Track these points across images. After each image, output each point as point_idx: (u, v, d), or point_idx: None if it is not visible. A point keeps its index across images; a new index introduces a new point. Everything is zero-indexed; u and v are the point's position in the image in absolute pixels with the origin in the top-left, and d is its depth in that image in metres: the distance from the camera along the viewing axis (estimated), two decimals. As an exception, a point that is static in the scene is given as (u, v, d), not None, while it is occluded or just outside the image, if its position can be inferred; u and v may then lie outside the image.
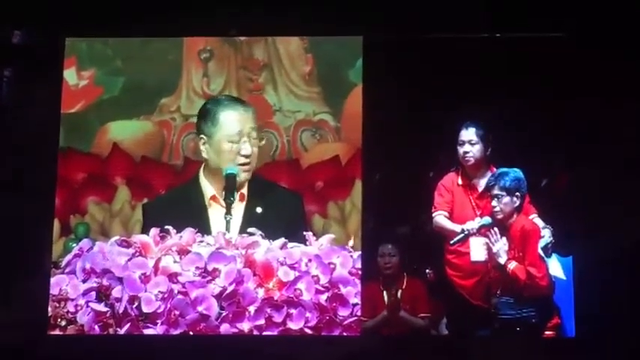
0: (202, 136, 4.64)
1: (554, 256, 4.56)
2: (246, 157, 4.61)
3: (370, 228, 4.64)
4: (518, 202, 4.59)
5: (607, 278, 4.50)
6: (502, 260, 4.56)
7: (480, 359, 4.54)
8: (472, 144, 4.69)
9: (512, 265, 4.55)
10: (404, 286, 4.66)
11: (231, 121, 4.62)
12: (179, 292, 4.42)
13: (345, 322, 4.46)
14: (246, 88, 4.81)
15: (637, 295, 4.51)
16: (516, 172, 4.60)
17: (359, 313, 4.49)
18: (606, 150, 4.62)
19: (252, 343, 4.45)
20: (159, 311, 4.40)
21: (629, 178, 4.62)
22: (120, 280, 4.44)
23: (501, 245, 4.57)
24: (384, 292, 4.65)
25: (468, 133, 4.69)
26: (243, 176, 4.63)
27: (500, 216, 4.60)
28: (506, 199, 4.59)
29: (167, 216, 4.58)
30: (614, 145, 4.63)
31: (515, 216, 4.59)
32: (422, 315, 4.63)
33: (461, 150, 4.70)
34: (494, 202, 4.61)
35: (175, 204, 4.67)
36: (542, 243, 4.56)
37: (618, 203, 4.59)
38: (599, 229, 4.55)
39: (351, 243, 4.58)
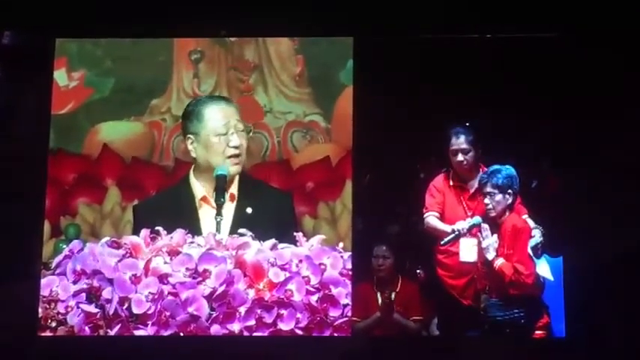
0: (189, 135, 4.64)
1: (543, 257, 4.57)
2: (236, 147, 4.61)
3: (361, 229, 4.64)
4: (510, 200, 4.60)
5: (597, 278, 4.51)
6: (490, 256, 4.56)
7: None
8: (465, 152, 4.69)
9: (500, 262, 4.55)
10: (398, 289, 4.66)
11: (216, 114, 4.63)
12: (169, 293, 4.42)
13: (336, 323, 4.47)
14: (236, 89, 4.81)
15: (627, 295, 4.52)
16: (508, 170, 4.60)
17: (349, 314, 4.49)
18: (597, 151, 4.62)
19: (243, 344, 4.44)
20: (149, 312, 4.40)
21: (620, 180, 4.62)
22: (110, 281, 4.44)
23: (491, 242, 4.58)
24: (378, 294, 4.66)
25: (460, 142, 4.68)
26: (233, 170, 4.63)
27: (492, 214, 4.60)
28: (499, 196, 4.60)
29: (158, 217, 4.58)
30: (605, 146, 4.62)
31: (507, 213, 4.60)
32: (414, 318, 4.63)
33: (455, 159, 4.69)
34: (486, 200, 4.61)
35: (166, 205, 4.67)
36: (532, 243, 4.57)
37: (608, 204, 4.59)
38: (589, 229, 4.55)
39: (341, 244, 4.58)
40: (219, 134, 4.61)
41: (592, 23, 4.67)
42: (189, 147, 4.64)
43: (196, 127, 4.63)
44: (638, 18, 4.69)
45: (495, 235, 4.59)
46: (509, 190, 4.59)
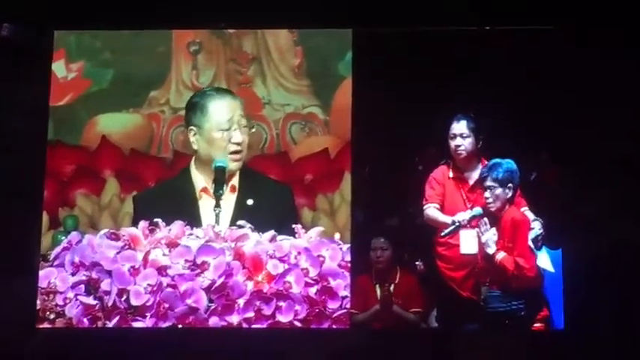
0: (192, 127, 4.64)
1: (543, 249, 4.56)
2: (238, 144, 4.62)
3: (359, 221, 4.64)
4: (510, 194, 4.59)
5: (596, 270, 4.51)
6: (491, 250, 4.56)
7: (469, 352, 4.54)
8: (464, 137, 4.69)
9: (501, 256, 4.55)
10: (397, 281, 4.65)
11: (221, 109, 4.63)
12: (168, 285, 4.42)
13: (335, 315, 4.46)
14: (235, 80, 4.81)
15: (625, 287, 4.52)
16: (509, 164, 4.60)
17: (348, 306, 4.49)
18: (597, 144, 4.61)
19: (241, 335, 4.44)
20: (148, 304, 4.40)
21: (620, 172, 4.61)
22: (109, 273, 4.44)
23: (490, 235, 4.57)
24: (377, 286, 4.65)
25: (460, 126, 4.69)
26: (234, 166, 4.63)
27: (492, 208, 4.60)
28: (499, 190, 4.59)
29: (158, 208, 4.59)
30: (604, 139, 4.62)
31: (506, 207, 4.59)
32: (414, 310, 4.63)
33: (452, 143, 4.70)
34: (486, 194, 4.60)
35: (167, 196, 4.67)
36: (532, 235, 4.56)
37: (608, 197, 4.59)
38: (588, 221, 4.55)
39: (338, 236, 4.58)
40: (222, 129, 4.61)
41: (591, 15, 4.66)
42: (192, 139, 4.64)
43: (200, 120, 4.62)
44: (637, 10, 4.68)
45: (494, 229, 4.59)
46: (510, 185, 4.58)
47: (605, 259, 4.51)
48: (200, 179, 4.65)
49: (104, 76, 4.80)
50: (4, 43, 4.78)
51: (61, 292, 4.47)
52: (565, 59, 4.66)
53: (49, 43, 4.78)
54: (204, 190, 4.64)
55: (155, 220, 4.51)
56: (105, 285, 4.43)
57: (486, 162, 4.66)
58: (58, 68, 4.80)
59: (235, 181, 4.65)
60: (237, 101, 4.66)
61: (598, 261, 4.51)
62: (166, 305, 4.41)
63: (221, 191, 4.58)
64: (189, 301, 4.41)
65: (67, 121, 4.76)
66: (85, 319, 4.44)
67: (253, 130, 4.69)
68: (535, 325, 4.54)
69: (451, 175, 4.72)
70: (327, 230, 4.60)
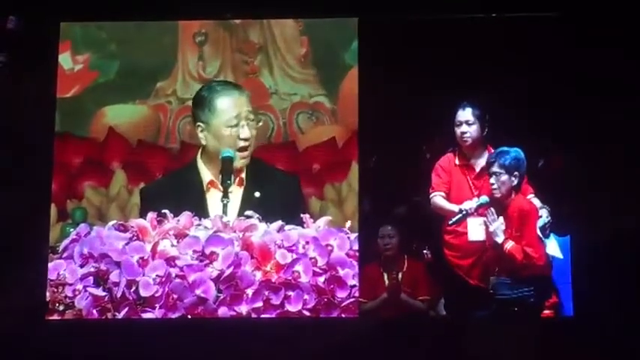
0: (200, 123, 4.63)
1: (551, 236, 4.56)
2: (246, 140, 4.62)
3: (367, 210, 4.64)
4: (516, 182, 4.59)
5: (604, 257, 4.50)
6: (499, 240, 4.56)
7: (479, 339, 4.54)
8: (469, 124, 4.69)
9: (509, 245, 4.55)
10: (404, 269, 4.66)
11: (228, 106, 4.62)
12: (177, 276, 4.43)
13: (343, 304, 4.47)
14: (241, 71, 4.81)
15: (634, 274, 4.52)
16: (517, 152, 4.60)
17: (357, 295, 4.50)
18: (603, 130, 4.61)
19: (250, 325, 4.45)
20: (157, 295, 4.41)
21: (627, 158, 4.61)
22: (117, 264, 4.45)
23: (498, 225, 4.57)
24: (385, 275, 4.66)
25: (465, 114, 4.69)
26: (242, 162, 4.63)
27: (497, 194, 4.60)
28: (504, 177, 4.59)
29: (165, 200, 4.59)
30: (611, 124, 4.61)
31: (512, 195, 4.59)
32: (422, 298, 4.64)
33: (458, 130, 4.70)
34: (492, 180, 4.60)
35: (173, 188, 4.67)
36: (540, 223, 4.56)
37: (615, 183, 4.59)
38: (596, 208, 4.55)
39: (348, 224, 4.58)
40: (230, 126, 4.60)
41: (594, 2, 4.66)
42: (200, 134, 4.64)
43: (208, 117, 4.62)
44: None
45: (501, 218, 4.59)
46: (516, 172, 4.58)
47: (613, 245, 4.51)
48: (207, 172, 4.65)
49: (110, 68, 4.80)
50: (10, 36, 4.78)
51: (71, 284, 4.48)
52: (570, 46, 4.65)
53: (55, 35, 4.77)
54: (212, 183, 4.64)
55: (163, 211, 4.52)
56: (114, 276, 4.45)
57: (492, 149, 4.66)
58: (65, 60, 4.80)
59: (243, 173, 4.65)
60: (244, 96, 4.65)
61: (606, 247, 4.50)
62: (175, 296, 4.42)
63: (229, 182, 4.58)
64: (198, 292, 4.41)
65: (74, 112, 4.77)
66: (94, 311, 4.45)
67: (260, 124, 4.69)
68: (544, 312, 4.54)
69: (457, 162, 4.73)
70: (335, 219, 4.60)
